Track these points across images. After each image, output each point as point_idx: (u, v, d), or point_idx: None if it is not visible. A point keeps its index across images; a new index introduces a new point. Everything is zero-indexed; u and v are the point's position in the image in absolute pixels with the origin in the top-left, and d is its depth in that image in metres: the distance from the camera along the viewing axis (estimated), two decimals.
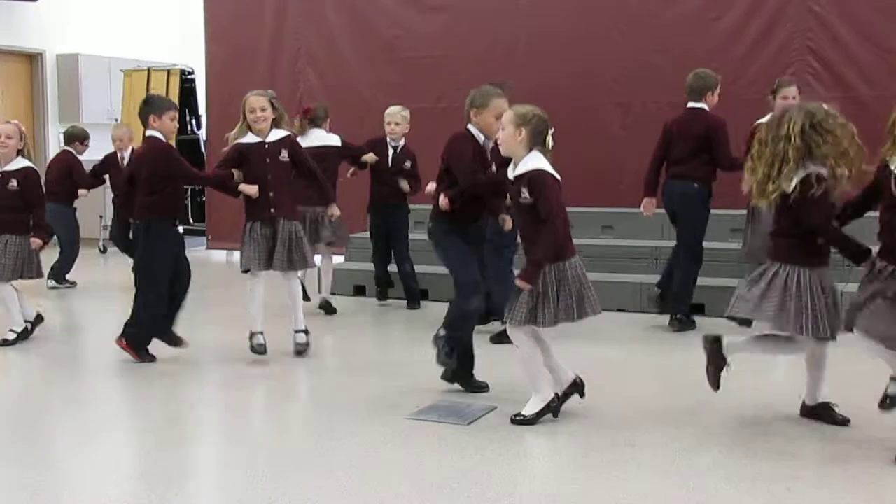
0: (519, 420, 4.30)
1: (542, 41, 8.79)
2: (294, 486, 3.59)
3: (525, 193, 4.20)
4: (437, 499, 3.48)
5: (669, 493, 3.51)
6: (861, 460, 3.84)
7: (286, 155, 5.48)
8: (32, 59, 12.06)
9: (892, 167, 3.90)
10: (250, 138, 5.45)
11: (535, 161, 4.23)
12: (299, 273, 7.15)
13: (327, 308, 7.19)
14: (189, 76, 11.84)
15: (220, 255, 10.63)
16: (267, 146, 5.45)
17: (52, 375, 5.62)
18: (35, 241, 6.08)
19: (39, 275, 6.29)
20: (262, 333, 5.48)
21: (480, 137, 4.70)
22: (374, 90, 9.40)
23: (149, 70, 11.73)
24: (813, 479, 3.71)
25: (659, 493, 3.51)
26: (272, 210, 5.44)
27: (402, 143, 7.23)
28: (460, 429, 4.29)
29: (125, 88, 11.88)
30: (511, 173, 4.30)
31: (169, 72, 11.65)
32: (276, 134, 5.49)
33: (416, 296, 7.43)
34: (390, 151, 7.22)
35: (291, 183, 5.61)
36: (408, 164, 7.21)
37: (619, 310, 7.18)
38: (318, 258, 7.35)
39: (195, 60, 11.56)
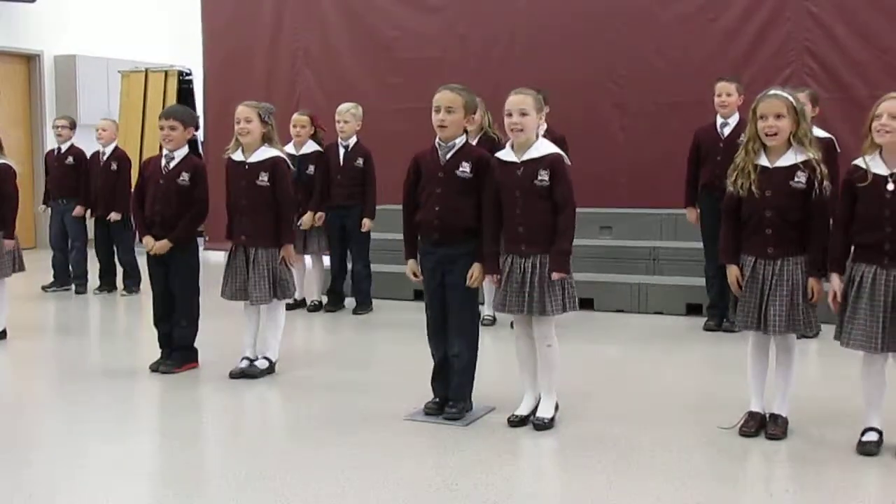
0: (543, 424, 4.24)
1: (540, 42, 8.80)
2: (292, 487, 3.59)
3: (543, 176, 4.14)
4: (436, 500, 3.47)
5: (669, 493, 3.50)
6: (861, 461, 3.83)
7: (265, 178, 5.12)
8: (30, 61, 12.04)
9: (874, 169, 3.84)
10: (238, 155, 5.23)
11: (550, 146, 4.23)
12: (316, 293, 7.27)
13: (318, 306, 7.36)
14: (187, 77, 11.83)
15: (217, 257, 10.61)
16: (247, 167, 5.16)
17: (44, 377, 5.61)
18: (9, 242, 6.13)
19: (22, 268, 6.37)
20: (247, 359, 5.29)
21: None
22: (373, 91, 9.39)
23: (146, 71, 11.72)
24: (812, 481, 3.70)
25: (658, 494, 3.50)
26: (243, 237, 5.19)
27: (353, 141, 7.09)
28: (458, 430, 4.28)
29: (122, 90, 11.87)
30: (512, 157, 4.22)
31: (166, 73, 11.64)
32: (262, 154, 5.16)
33: (364, 300, 7.28)
34: (341, 151, 7.10)
35: (271, 207, 5.17)
36: (360, 161, 7.05)
37: (617, 310, 7.19)
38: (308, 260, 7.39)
39: (193, 62, 11.55)
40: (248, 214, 5.18)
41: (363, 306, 7.29)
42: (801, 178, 3.97)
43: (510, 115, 4.19)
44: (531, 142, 4.21)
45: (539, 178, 4.15)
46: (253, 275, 5.16)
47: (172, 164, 5.28)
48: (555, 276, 4.14)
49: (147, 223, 5.33)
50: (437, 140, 4.38)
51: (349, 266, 7.38)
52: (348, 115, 7.07)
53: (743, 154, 4.09)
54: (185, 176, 5.25)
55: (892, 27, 7.84)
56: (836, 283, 3.94)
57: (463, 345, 4.38)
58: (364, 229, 7.10)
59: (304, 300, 7.42)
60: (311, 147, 7.19)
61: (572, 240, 4.19)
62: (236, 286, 5.23)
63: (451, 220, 4.31)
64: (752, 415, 4.20)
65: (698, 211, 6.51)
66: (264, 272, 5.16)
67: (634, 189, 8.50)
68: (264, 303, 5.22)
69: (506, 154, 4.27)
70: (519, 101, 4.18)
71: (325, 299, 7.45)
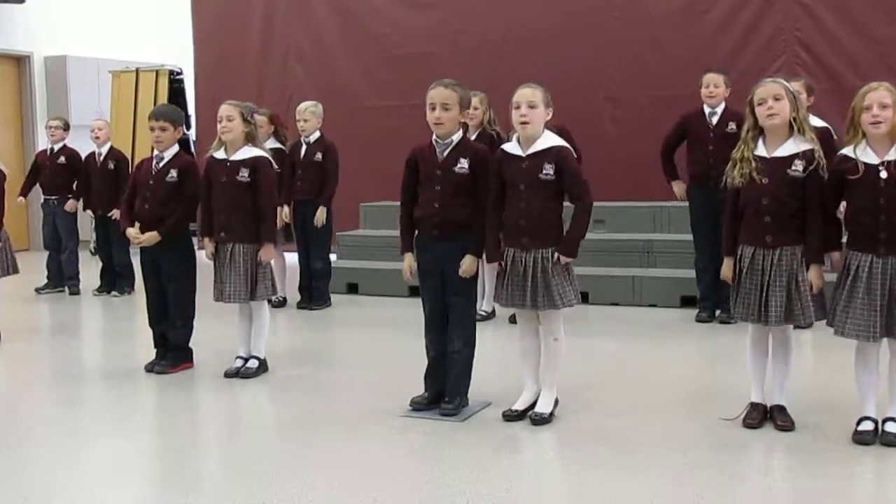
0: (541, 419, 4.24)
1: (533, 36, 8.79)
2: (289, 485, 3.58)
3: (549, 170, 4.15)
4: (433, 496, 3.47)
5: (668, 486, 3.51)
6: (857, 450, 3.84)
7: (245, 175, 5.11)
8: (20, 62, 12.00)
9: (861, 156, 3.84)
10: (220, 154, 5.23)
11: (556, 138, 4.24)
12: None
13: (283, 302, 7.38)
14: (177, 77, 11.80)
15: None
16: (228, 164, 5.15)
17: (39, 379, 5.60)
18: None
19: (16, 270, 6.33)
20: (242, 358, 5.29)
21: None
22: (365, 88, 9.38)
23: (137, 71, 11.68)
24: (809, 471, 3.70)
25: (657, 487, 3.51)
26: (222, 234, 5.17)
27: (314, 137, 7.15)
28: (455, 425, 4.28)
29: (113, 89, 11.84)
30: (518, 151, 4.22)
31: (157, 72, 11.61)
32: (245, 153, 5.16)
33: (322, 296, 7.34)
34: (303, 147, 7.20)
35: (251, 204, 5.14)
36: (318, 156, 7.12)
37: (612, 304, 7.20)
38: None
39: (184, 61, 11.52)
40: (225, 211, 5.18)
41: (319, 302, 7.35)
42: (798, 166, 3.98)
43: (518, 107, 4.19)
44: (537, 135, 4.21)
45: (544, 171, 4.16)
46: (230, 272, 5.15)
47: (162, 164, 5.29)
48: (563, 259, 4.16)
49: (137, 221, 5.32)
50: (433, 137, 4.37)
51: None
52: (307, 114, 7.14)
53: (742, 146, 4.10)
54: (173, 173, 5.26)
55: (883, 17, 7.85)
56: (815, 276, 3.97)
57: (463, 341, 4.39)
58: (317, 221, 7.10)
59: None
60: (271, 145, 7.21)
61: (587, 227, 4.24)
62: (215, 286, 5.22)
63: (451, 216, 4.31)
64: (754, 406, 4.20)
65: (684, 186, 6.59)
66: (241, 270, 5.14)
67: (628, 182, 8.49)
68: (238, 301, 5.18)
69: (511, 147, 4.28)
70: (528, 93, 4.19)
71: (288, 296, 7.44)
